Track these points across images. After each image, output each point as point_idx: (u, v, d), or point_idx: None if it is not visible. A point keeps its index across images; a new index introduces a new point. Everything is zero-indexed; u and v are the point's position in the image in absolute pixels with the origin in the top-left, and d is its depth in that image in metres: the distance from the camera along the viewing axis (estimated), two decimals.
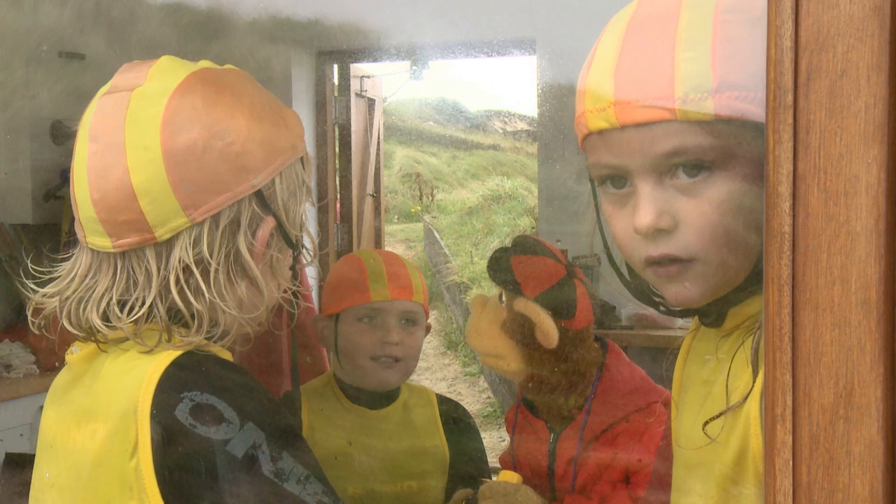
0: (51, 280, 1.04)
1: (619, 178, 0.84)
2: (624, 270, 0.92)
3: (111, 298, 0.99)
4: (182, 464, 0.92)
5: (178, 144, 0.96)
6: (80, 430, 0.99)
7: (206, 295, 0.98)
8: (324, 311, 1.70)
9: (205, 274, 0.98)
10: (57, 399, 1.06)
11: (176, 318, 0.99)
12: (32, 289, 1.04)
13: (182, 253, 0.97)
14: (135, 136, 0.97)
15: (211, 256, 0.98)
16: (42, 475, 1.06)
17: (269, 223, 1.02)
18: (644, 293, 0.92)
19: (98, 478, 0.95)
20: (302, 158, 1.07)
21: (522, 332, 1.49)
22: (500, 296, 1.53)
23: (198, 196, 0.97)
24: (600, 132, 0.83)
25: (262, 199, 1.01)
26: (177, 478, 0.92)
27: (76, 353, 1.03)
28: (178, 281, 0.97)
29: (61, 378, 1.07)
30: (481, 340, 1.54)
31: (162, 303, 0.98)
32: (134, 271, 0.99)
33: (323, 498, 0.93)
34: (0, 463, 2.16)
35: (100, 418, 0.96)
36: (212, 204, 0.98)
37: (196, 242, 0.98)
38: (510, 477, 1.48)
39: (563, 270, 1.52)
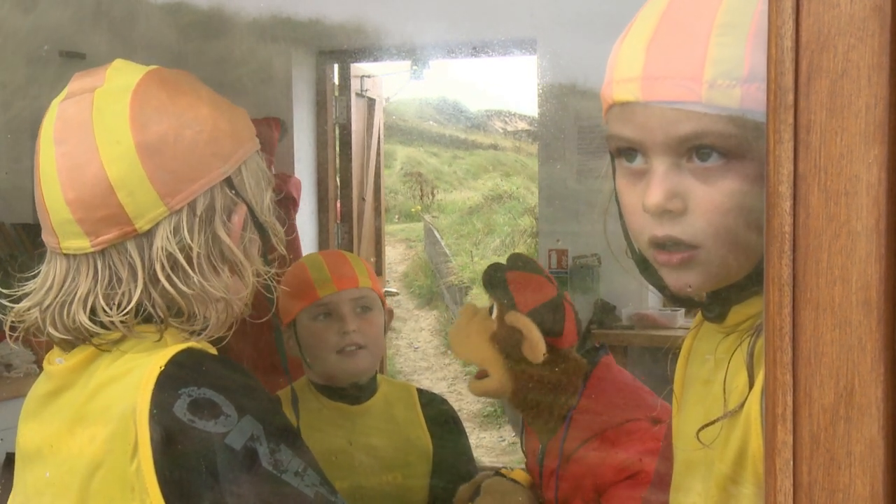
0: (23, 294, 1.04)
1: (636, 155, 0.84)
2: (637, 249, 0.91)
3: (96, 297, 0.99)
4: (182, 460, 0.92)
5: (150, 136, 0.98)
6: (75, 437, 0.98)
7: (195, 278, 0.99)
8: (283, 321, 1.72)
9: (188, 261, 0.99)
10: (38, 409, 1.05)
11: (167, 310, 1.00)
12: (6, 305, 1.04)
13: (164, 242, 0.98)
14: (105, 132, 0.98)
15: (192, 242, 0.99)
16: (25, 484, 1.05)
17: (242, 209, 1.04)
18: (653, 276, 0.90)
19: (99, 481, 0.95)
20: (257, 152, 1.10)
21: (510, 344, 1.51)
22: (491, 308, 1.54)
23: (174, 184, 0.98)
24: (624, 104, 0.83)
25: (232, 186, 1.03)
26: (177, 475, 0.92)
27: (61, 364, 1.03)
28: (163, 268, 0.98)
29: (40, 388, 1.06)
30: (468, 349, 1.55)
31: (154, 292, 0.99)
32: (116, 267, 0.99)
33: (321, 489, 0.94)
34: (0, 463, 2.16)
35: (98, 422, 0.96)
36: (188, 192, 0.99)
37: (176, 230, 0.99)
38: (519, 476, 1.50)
39: (555, 291, 1.55)
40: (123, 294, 0.98)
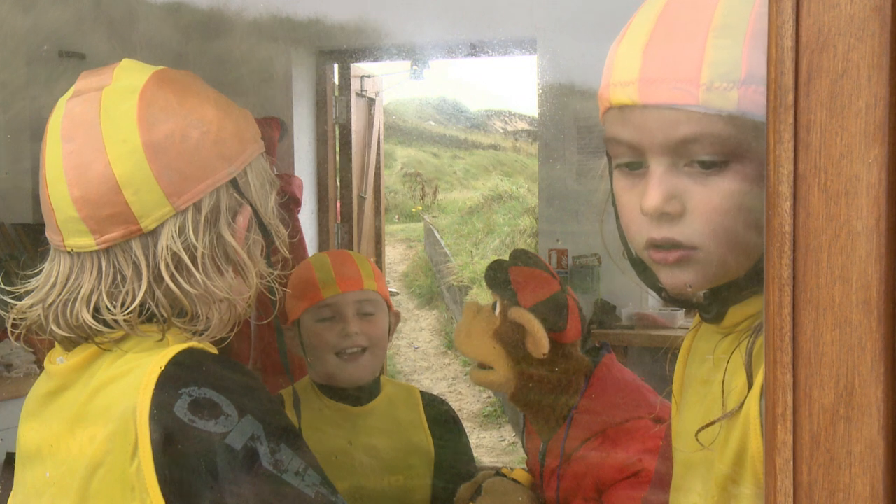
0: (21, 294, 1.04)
1: (634, 157, 0.84)
2: (633, 251, 0.91)
3: (100, 295, 0.99)
4: (182, 460, 0.92)
5: (157, 135, 0.98)
6: (76, 436, 0.98)
7: (199, 277, 0.99)
8: (288, 320, 1.72)
9: (193, 261, 0.99)
10: (39, 409, 1.05)
11: (170, 309, 1.00)
12: (8, 303, 1.04)
13: (169, 241, 0.98)
14: (112, 130, 0.98)
15: (197, 242, 0.99)
16: (24, 484, 1.05)
17: (246, 210, 1.04)
18: (650, 278, 0.91)
19: (99, 481, 0.95)
20: (262, 154, 1.10)
21: (514, 340, 1.51)
22: (494, 305, 1.55)
23: (180, 184, 0.99)
24: (621, 107, 0.83)
25: (237, 187, 1.03)
26: (177, 475, 0.92)
27: (63, 364, 1.03)
28: (168, 268, 0.98)
29: (41, 388, 1.07)
30: (471, 345, 1.56)
31: (158, 291, 0.99)
32: (120, 266, 0.99)
33: (321, 489, 0.94)
34: (0, 463, 2.16)
35: (99, 422, 0.96)
36: (194, 191, 0.99)
37: (181, 230, 0.99)
38: (520, 475, 1.50)
39: (558, 286, 1.55)
40: (127, 293, 0.99)
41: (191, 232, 0.99)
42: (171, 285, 0.98)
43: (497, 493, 1.46)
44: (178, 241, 0.99)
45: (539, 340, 1.47)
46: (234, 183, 1.03)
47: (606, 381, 1.54)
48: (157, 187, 0.98)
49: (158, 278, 0.99)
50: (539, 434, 1.57)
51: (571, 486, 1.49)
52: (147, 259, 0.99)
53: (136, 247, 0.99)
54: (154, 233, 0.99)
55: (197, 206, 1.00)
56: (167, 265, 0.98)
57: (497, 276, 1.55)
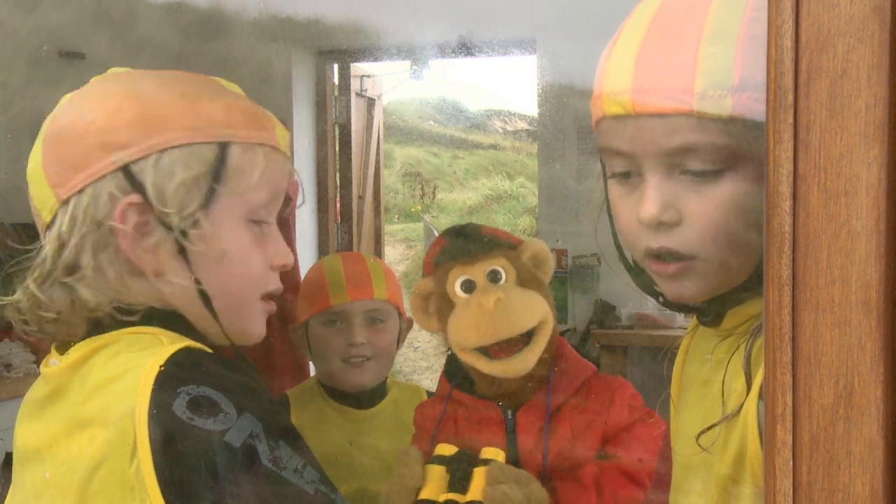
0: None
1: (629, 166, 0.84)
2: (628, 257, 0.91)
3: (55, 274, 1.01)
4: (182, 459, 0.92)
5: (52, 129, 1.03)
6: (74, 438, 0.98)
7: (86, 271, 0.99)
8: (297, 319, 1.72)
9: (78, 253, 1.00)
10: (35, 412, 1.06)
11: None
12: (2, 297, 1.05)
13: (59, 229, 1.00)
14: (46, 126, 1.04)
15: (73, 234, 1.00)
16: (23, 485, 1.05)
17: (127, 199, 0.98)
18: (646, 283, 0.91)
19: (98, 481, 0.95)
20: (230, 145, 1.02)
21: (535, 277, 1.42)
22: (494, 275, 1.41)
23: (61, 175, 1.00)
24: (615, 117, 0.83)
25: (130, 176, 0.98)
26: (177, 474, 0.92)
27: (56, 366, 1.03)
28: (59, 259, 1.00)
29: (37, 391, 1.07)
30: (516, 316, 1.36)
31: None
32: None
33: (320, 486, 0.94)
34: (0, 463, 2.16)
35: (97, 423, 0.96)
36: (74, 181, 1.00)
37: (70, 220, 1.00)
38: (495, 454, 1.38)
39: None
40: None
41: (74, 221, 1.00)
42: (65, 279, 1.00)
43: (511, 482, 1.34)
44: (64, 230, 1.00)
45: (549, 255, 1.43)
46: (126, 172, 0.98)
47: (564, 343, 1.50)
48: (45, 180, 1.01)
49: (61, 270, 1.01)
50: (503, 406, 1.43)
51: (565, 446, 1.41)
52: (52, 252, 1.01)
53: (47, 237, 1.02)
54: (51, 225, 1.01)
55: (79, 196, 0.99)
56: (59, 257, 1.00)
57: (481, 238, 1.45)
